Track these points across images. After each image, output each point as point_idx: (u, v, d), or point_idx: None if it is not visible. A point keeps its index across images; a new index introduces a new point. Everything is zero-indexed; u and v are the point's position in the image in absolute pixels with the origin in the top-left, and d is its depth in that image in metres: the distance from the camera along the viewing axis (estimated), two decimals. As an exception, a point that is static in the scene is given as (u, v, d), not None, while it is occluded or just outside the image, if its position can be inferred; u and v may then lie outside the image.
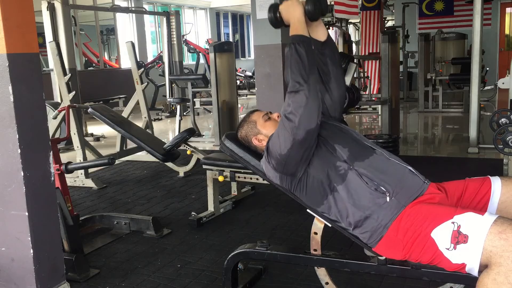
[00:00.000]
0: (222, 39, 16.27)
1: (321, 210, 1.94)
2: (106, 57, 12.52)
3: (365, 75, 9.29)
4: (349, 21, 10.68)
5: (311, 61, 1.81)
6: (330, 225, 1.96)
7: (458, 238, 1.59)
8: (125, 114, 5.43)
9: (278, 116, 2.15)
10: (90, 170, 4.94)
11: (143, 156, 5.58)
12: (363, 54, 9.58)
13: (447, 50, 9.21)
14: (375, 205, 1.79)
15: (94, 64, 11.75)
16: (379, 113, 7.62)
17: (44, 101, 2.18)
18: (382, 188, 1.80)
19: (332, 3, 8.77)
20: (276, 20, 1.99)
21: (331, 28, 10.64)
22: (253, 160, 2.15)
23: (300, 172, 1.91)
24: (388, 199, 1.79)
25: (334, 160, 1.86)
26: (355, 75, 6.47)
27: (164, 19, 9.04)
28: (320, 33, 2.09)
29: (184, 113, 8.75)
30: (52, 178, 2.23)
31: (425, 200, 1.81)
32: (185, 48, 10.98)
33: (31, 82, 2.11)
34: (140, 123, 5.54)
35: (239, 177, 3.44)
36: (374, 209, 1.79)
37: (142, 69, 5.84)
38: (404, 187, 1.82)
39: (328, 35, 2.12)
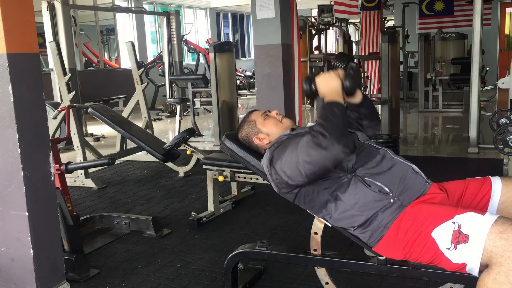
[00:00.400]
0: (222, 39, 16.27)
1: (321, 215, 1.95)
2: (106, 57, 12.52)
3: (365, 75, 9.28)
4: (349, 21, 10.69)
5: (345, 123, 1.79)
6: (330, 225, 1.97)
7: (459, 238, 1.59)
8: (125, 114, 5.43)
9: (277, 114, 2.16)
10: (90, 170, 4.94)
11: (143, 156, 5.58)
12: (363, 54, 9.58)
13: (447, 50, 9.21)
14: (379, 207, 1.79)
15: (94, 64, 11.75)
16: (379, 113, 7.62)
17: (44, 101, 2.18)
18: (386, 189, 1.80)
19: (332, 3, 8.78)
20: (311, 92, 1.97)
21: (331, 28, 10.66)
22: (253, 160, 2.15)
23: (302, 188, 1.92)
24: (391, 200, 1.79)
25: (337, 170, 1.86)
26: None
27: (164, 19, 9.04)
28: (355, 98, 2.06)
29: (184, 113, 8.74)
30: (52, 178, 2.23)
31: (426, 200, 1.81)
32: (185, 48, 10.98)
33: (31, 82, 2.11)
34: (140, 123, 5.54)
35: (239, 177, 3.44)
36: (378, 211, 1.79)
37: (142, 69, 5.84)
38: (406, 187, 1.82)
39: (364, 96, 2.10)
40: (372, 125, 2.16)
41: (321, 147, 1.71)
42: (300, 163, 1.78)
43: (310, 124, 2.05)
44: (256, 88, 5.58)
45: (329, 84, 1.90)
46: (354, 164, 1.86)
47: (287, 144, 1.91)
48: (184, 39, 10.58)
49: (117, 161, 5.07)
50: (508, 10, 13.04)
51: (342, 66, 4.73)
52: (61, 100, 5.33)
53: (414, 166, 1.90)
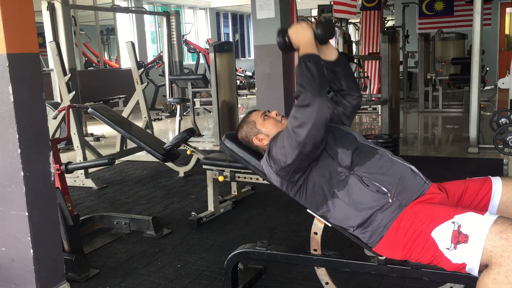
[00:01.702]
0: (222, 39, 16.27)
1: (320, 213, 1.95)
2: (106, 57, 12.52)
3: (365, 75, 9.29)
4: (349, 21, 10.68)
5: (322, 76, 1.80)
6: (330, 225, 1.97)
7: (459, 238, 1.59)
8: (125, 114, 5.43)
9: (276, 114, 2.16)
10: (90, 170, 4.94)
11: (143, 156, 5.58)
12: (363, 54, 9.59)
13: (447, 50, 9.21)
14: (377, 206, 1.79)
15: (94, 64, 11.75)
16: (379, 113, 7.63)
17: (44, 101, 2.18)
18: (384, 189, 1.80)
19: (332, 3, 8.78)
20: (285, 44, 1.99)
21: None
22: (253, 160, 2.15)
23: (301, 180, 1.91)
24: (390, 200, 1.79)
25: (335, 166, 1.86)
26: (355, 75, 6.47)
27: (164, 19, 9.04)
28: (330, 54, 2.09)
29: (184, 113, 8.75)
30: (52, 178, 2.23)
31: (425, 200, 1.81)
32: (185, 48, 10.98)
33: (31, 82, 2.11)
34: (140, 123, 5.54)
35: (239, 177, 3.44)
36: (376, 211, 1.79)
37: (142, 69, 5.84)
38: (405, 187, 1.82)
39: (339, 53, 2.12)
40: (351, 86, 2.16)
41: (304, 106, 1.73)
42: (290, 132, 1.79)
43: None
44: (256, 88, 5.58)
45: (301, 34, 1.94)
46: (352, 162, 1.85)
47: (279, 134, 1.93)
48: (184, 39, 10.58)
49: (117, 161, 5.07)
50: (508, 10, 13.04)
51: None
52: (61, 100, 5.33)
53: (413, 167, 1.90)
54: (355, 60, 8.41)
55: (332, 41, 14.98)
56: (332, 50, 2.10)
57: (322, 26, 1.96)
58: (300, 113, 1.75)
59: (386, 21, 11.71)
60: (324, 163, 1.88)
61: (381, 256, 1.85)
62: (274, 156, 1.90)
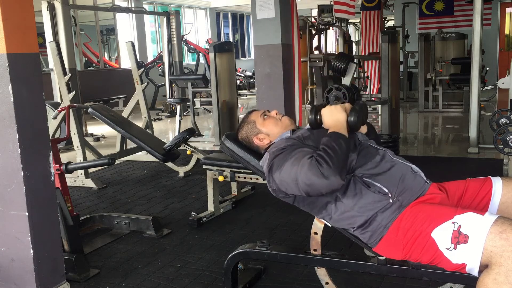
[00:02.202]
0: (222, 39, 16.27)
1: (321, 216, 1.95)
2: (106, 57, 12.52)
3: (365, 75, 9.29)
4: (349, 21, 10.69)
5: (347, 158, 1.78)
6: (330, 225, 1.97)
7: (459, 238, 1.59)
8: (125, 114, 5.43)
9: (276, 113, 2.15)
10: (90, 170, 4.94)
11: (143, 156, 5.58)
12: (363, 54, 9.58)
13: (447, 50, 9.21)
14: (378, 207, 1.79)
15: (94, 64, 11.75)
16: (379, 113, 7.62)
17: (44, 101, 2.18)
18: (385, 189, 1.80)
19: (332, 3, 8.78)
20: (316, 122, 1.98)
21: (331, 28, 10.66)
22: (253, 160, 2.15)
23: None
24: (391, 200, 1.79)
25: None
26: (355, 75, 6.47)
27: (164, 19, 9.04)
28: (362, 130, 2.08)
29: (184, 113, 8.75)
30: (52, 178, 2.23)
31: (426, 200, 1.81)
32: (185, 48, 10.98)
33: (31, 82, 2.11)
34: (140, 123, 5.54)
35: (239, 177, 3.44)
36: (377, 212, 1.79)
37: (142, 69, 5.84)
38: (405, 188, 1.82)
39: (369, 127, 2.12)
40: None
41: (323, 176, 1.69)
42: (299, 183, 1.76)
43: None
44: (256, 88, 5.58)
45: (334, 117, 1.91)
46: (354, 164, 1.86)
47: (288, 155, 1.85)
48: (184, 39, 10.58)
49: (117, 161, 5.07)
50: (508, 10, 13.04)
51: (342, 66, 4.72)
52: (61, 100, 5.33)
53: (414, 166, 1.90)
54: (355, 60, 8.41)
55: (332, 41, 14.92)
56: (363, 128, 2.08)
57: (357, 114, 1.90)
58: (316, 178, 1.70)
59: (386, 21, 11.71)
60: None
61: (381, 256, 1.85)
62: (275, 180, 1.87)
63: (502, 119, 4.03)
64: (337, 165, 1.70)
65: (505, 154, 3.72)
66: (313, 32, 10.01)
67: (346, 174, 1.82)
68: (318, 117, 1.97)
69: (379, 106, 7.39)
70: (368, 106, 8.97)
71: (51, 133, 4.75)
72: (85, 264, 2.78)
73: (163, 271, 2.76)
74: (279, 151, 1.90)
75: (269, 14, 5.14)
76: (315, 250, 2.06)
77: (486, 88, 9.52)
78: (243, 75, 13.46)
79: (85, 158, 4.77)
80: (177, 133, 6.88)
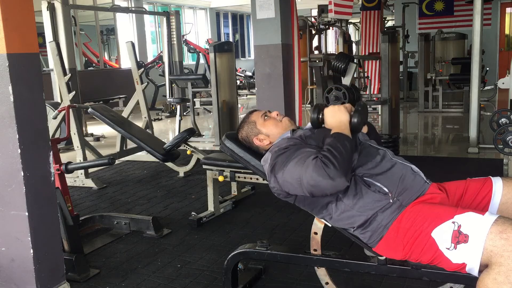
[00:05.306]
0: (222, 39, 16.26)
1: (322, 216, 1.95)
2: (106, 57, 12.51)
3: (365, 75, 9.30)
4: (349, 21, 10.69)
5: (351, 159, 1.78)
6: (330, 225, 1.97)
7: (459, 238, 1.59)
8: (125, 114, 5.43)
9: (277, 114, 2.15)
10: (90, 170, 4.94)
11: (143, 156, 5.58)
12: (363, 54, 9.58)
13: (447, 50, 9.21)
14: (378, 207, 1.79)
15: (94, 64, 11.75)
16: (379, 113, 7.62)
17: (44, 101, 2.18)
18: (385, 189, 1.80)
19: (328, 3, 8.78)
20: (318, 121, 1.97)
21: (331, 28, 10.67)
22: (253, 160, 2.15)
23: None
24: (391, 200, 1.79)
25: None
26: (355, 75, 6.47)
27: (164, 19, 9.04)
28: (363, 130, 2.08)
29: (184, 113, 8.75)
30: (52, 178, 2.23)
31: (425, 200, 1.81)
32: (185, 48, 10.98)
33: (31, 82, 2.10)
34: (140, 123, 5.55)
35: (239, 177, 3.44)
36: (377, 211, 1.79)
37: (142, 69, 5.85)
38: (405, 187, 1.82)
39: (369, 127, 2.12)
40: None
41: (329, 177, 1.69)
42: (304, 183, 1.76)
43: (310, 125, 2.05)
44: (256, 88, 5.58)
45: (337, 117, 1.91)
46: (355, 163, 1.86)
47: (291, 155, 1.84)
48: (184, 39, 10.58)
49: (117, 161, 5.07)
50: (508, 10, 13.04)
51: (343, 66, 4.72)
52: (61, 100, 5.33)
53: (413, 166, 1.90)
54: (355, 60, 8.41)
55: (332, 41, 14.92)
56: (364, 128, 2.08)
57: (360, 116, 1.90)
58: (321, 179, 1.70)
59: (386, 21, 11.71)
60: None
61: (381, 256, 1.85)
62: (278, 180, 1.87)
63: (502, 119, 4.04)
64: (342, 166, 1.70)
65: (505, 154, 3.72)
66: (313, 32, 10.01)
67: (351, 176, 1.83)
68: (320, 116, 1.96)
69: (379, 106, 7.39)
70: (368, 106, 9.01)
71: (51, 133, 4.75)
72: (85, 264, 2.78)
73: (163, 271, 2.76)
74: (281, 151, 1.89)
75: (269, 14, 5.14)
76: (315, 250, 2.06)
77: (486, 88, 9.52)
78: (243, 75, 13.45)
79: (85, 158, 4.77)
80: (177, 133, 6.88)
